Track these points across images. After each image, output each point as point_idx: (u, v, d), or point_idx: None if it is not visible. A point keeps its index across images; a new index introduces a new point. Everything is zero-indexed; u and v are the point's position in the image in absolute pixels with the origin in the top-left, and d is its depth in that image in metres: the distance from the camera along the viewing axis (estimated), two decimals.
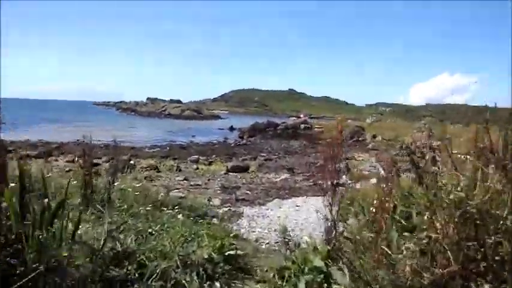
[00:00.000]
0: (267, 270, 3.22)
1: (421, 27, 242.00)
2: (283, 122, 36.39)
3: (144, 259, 2.58)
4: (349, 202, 5.82)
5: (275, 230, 5.20)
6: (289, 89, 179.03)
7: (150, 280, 2.42)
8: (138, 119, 63.11)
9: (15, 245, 2.01)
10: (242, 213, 6.28)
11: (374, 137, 28.68)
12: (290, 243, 3.72)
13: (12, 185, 2.23)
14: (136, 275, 2.45)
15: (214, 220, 4.67)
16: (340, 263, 3.02)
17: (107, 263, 2.37)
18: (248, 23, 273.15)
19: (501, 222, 1.92)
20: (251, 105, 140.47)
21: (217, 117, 76.69)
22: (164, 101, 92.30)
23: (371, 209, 3.30)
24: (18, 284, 1.87)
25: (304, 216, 6.10)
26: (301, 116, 69.28)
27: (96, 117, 61.36)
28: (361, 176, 12.57)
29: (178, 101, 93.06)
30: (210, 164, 16.60)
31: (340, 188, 9.77)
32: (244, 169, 14.72)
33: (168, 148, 22.59)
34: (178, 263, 2.69)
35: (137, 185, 4.47)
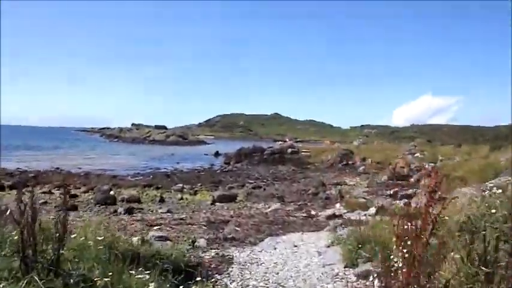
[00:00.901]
0: None
1: (402, 49, 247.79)
2: (270, 147, 35.66)
3: None
4: (357, 244, 5.01)
5: (274, 283, 4.33)
6: (274, 113, 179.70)
7: None
8: (122, 145, 61.86)
9: None
10: (232, 258, 5.38)
11: (363, 160, 28.08)
12: None
13: None
14: None
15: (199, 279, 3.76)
16: None
17: None
18: (231, 48, 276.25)
19: None
20: (236, 130, 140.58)
21: (202, 142, 76.00)
22: (149, 126, 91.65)
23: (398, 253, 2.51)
24: None
25: (305, 261, 5.23)
26: (287, 140, 69.01)
27: (79, 144, 60.09)
28: (357, 205, 11.82)
29: (164, 127, 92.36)
30: (195, 193, 15.66)
31: (337, 220, 8.93)
32: (232, 198, 13.82)
33: (151, 176, 21.60)
34: None
35: (100, 238, 3.56)
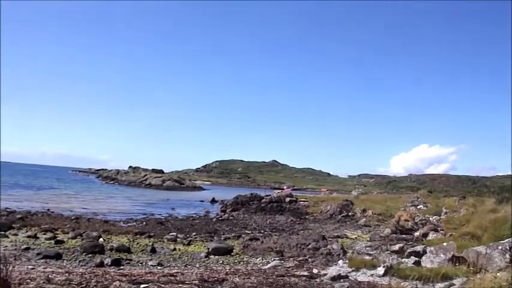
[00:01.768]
0: None
1: (398, 100, 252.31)
2: (268, 195, 34.89)
3: None
4: None
5: None
6: (272, 160, 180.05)
7: None
8: (118, 188, 61.07)
9: None
10: None
11: (364, 211, 27.30)
12: None
13: None
14: None
15: None
16: None
17: None
18: (230, 95, 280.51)
19: None
20: (234, 177, 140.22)
21: (199, 188, 75.27)
22: (146, 170, 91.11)
23: None
24: None
25: None
26: (285, 188, 68.22)
27: (74, 185, 59.27)
28: (362, 262, 10.99)
29: (161, 171, 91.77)
30: (188, 243, 14.80)
31: (342, 282, 8.11)
32: (228, 251, 13.00)
33: (144, 223, 20.73)
34: None
35: None
